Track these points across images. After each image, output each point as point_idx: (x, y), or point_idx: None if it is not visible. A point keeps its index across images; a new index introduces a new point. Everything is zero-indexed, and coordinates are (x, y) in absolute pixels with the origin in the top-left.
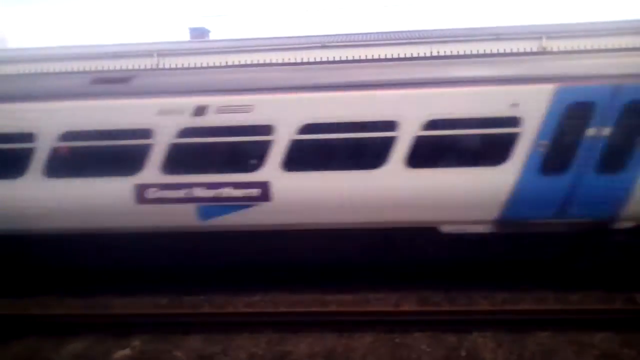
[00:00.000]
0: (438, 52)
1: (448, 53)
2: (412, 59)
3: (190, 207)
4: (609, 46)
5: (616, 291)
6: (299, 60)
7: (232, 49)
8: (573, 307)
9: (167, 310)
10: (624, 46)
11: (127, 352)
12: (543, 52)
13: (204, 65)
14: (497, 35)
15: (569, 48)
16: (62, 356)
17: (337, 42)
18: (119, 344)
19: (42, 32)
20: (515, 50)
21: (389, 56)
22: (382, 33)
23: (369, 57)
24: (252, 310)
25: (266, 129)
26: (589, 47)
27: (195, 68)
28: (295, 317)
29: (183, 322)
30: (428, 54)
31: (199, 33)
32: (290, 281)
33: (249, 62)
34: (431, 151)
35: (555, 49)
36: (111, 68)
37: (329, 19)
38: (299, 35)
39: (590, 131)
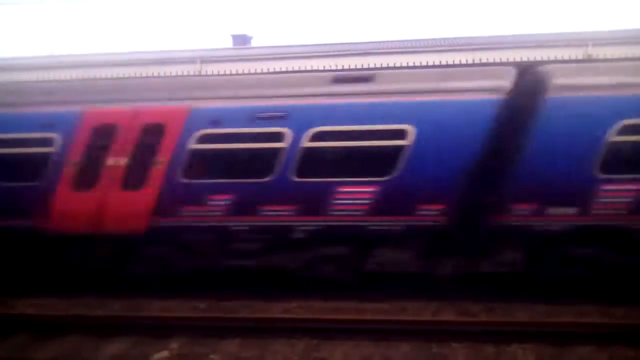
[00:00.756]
0: (480, 60)
1: (491, 60)
2: (451, 66)
3: None
4: None
5: None
6: (339, 67)
7: (275, 56)
8: (617, 321)
9: (205, 314)
10: None
11: (165, 354)
12: (589, 60)
13: (246, 72)
14: (540, 42)
15: (615, 56)
16: (101, 357)
17: (378, 49)
18: (157, 346)
19: (86, 38)
20: (559, 58)
21: (430, 63)
22: (422, 40)
23: (416, 64)
24: (289, 316)
25: None
26: (637, 55)
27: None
28: (331, 324)
29: (220, 326)
30: (470, 61)
31: (241, 40)
32: (326, 288)
33: (290, 69)
34: None
35: (601, 57)
36: (155, 74)
37: (370, 26)
38: (340, 42)
39: None
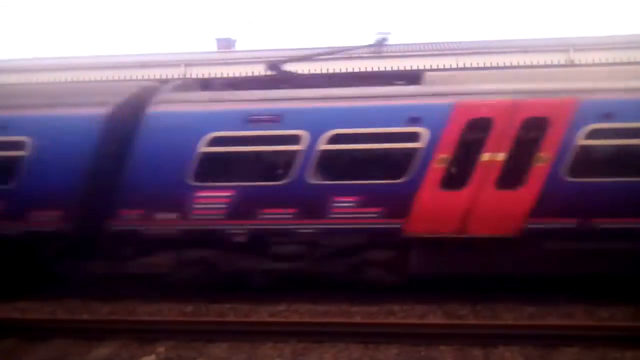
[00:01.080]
0: (464, 64)
1: (475, 65)
2: (438, 70)
3: None
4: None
5: None
6: (324, 72)
7: (260, 60)
8: (602, 323)
9: (193, 317)
10: None
11: (152, 358)
12: (571, 65)
13: (231, 75)
14: (524, 47)
15: (596, 61)
16: None
17: (364, 53)
18: (144, 350)
19: (70, 40)
20: (542, 63)
21: (414, 67)
22: (408, 45)
23: (395, 68)
24: (277, 319)
25: None
26: (617, 60)
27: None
28: (320, 327)
29: (208, 330)
30: (454, 66)
31: (225, 43)
32: (314, 291)
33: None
34: None
35: (583, 62)
36: (138, 77)
37: (356, 30)
38: (324, 47)
39: None
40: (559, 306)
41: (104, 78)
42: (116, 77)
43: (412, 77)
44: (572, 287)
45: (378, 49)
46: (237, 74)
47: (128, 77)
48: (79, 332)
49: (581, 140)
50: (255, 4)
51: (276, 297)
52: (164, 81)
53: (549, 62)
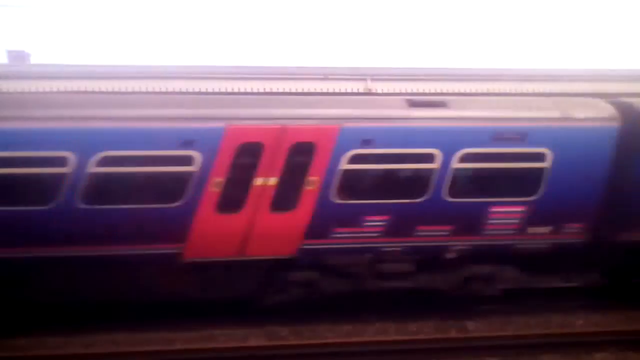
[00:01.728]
0: (270, 89)
1: (274, 90)
2: (239, 93)
3: None
4: (426, 90)
5: (450, 319)
6: (130, 90)
7: (60, 75)
8: (415, 337)
9: None
10: (444, 91)
11: None
12: (368, 93)
13: (25, 90)
14: (325, 75)
15: (391, 90)
16: None
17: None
18: None
19: None
20: (342, 90)
21: (222, 90)
22: (224, 67)
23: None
24: (93, 351)
25: None
26: (409, 91)
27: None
28: (138, 357)
29: None
30: (261, 90)
31: (17, 56)
32: (132, 319)
33: (75, 89)
34: None
35: (379, 91)
36: None
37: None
38: (134, 65)
39: None
40: (373, 323)
41: None
42: None
43: None
44: (381, 305)
45: None
46: (33, 89)
47: None
48: None
49: (345, 165)
50: (53, 16)
51: (91, 326)
52: None
53: (348, 90)
